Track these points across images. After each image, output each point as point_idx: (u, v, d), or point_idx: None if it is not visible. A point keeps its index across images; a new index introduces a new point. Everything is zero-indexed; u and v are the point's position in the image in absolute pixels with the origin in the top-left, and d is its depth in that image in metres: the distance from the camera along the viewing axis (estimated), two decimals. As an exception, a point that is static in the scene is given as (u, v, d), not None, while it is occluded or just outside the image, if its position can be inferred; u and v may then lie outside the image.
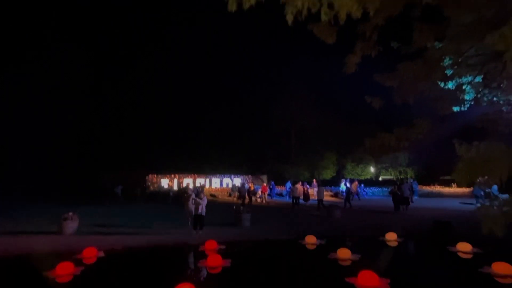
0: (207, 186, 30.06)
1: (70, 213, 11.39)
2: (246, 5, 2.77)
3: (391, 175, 42.75)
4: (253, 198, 23.69)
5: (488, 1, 2.32)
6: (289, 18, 2.77)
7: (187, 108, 37.15)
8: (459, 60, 5.12)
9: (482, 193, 17.58)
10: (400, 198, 16.98)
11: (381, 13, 2.68)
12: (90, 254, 8.13)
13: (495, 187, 14.58)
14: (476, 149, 2.58)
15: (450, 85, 7.44)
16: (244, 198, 21.63)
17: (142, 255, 8.93)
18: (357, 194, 24.57)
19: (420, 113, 6.56)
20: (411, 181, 26.34)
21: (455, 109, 8.41)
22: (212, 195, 26.28)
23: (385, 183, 36.74)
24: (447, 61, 6.95)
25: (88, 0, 43.78)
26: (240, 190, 22.70)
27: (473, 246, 8.59)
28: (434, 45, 4.45)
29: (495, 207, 2.33)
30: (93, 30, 39.86)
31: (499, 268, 6.54)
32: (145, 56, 37.96)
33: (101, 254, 8.34)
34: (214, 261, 7.40)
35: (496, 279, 6.30)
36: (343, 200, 20.66)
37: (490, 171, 2.35)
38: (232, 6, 2.69)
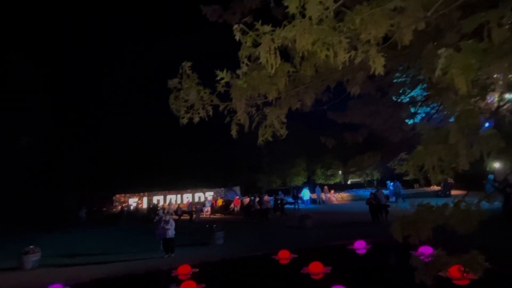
0: (178, 201, 29.38)
1: (31, 246, 10.77)
2: (196, 119, 3.17)
3: (358, 178, 44.64)
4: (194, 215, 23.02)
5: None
6: (234, 132, 3.12)
7: (154, 125, 36.39)
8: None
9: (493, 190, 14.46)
10: (376, 208, 15.88)
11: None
12: (56, 291, 7.74)
13: (490, 176, 13.99)
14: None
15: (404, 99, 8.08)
16: (266, 215, 19.69)
17: (112, 287, 8.62)
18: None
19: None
20: (390, 183, 26.21)
21: (409, 122, 9.08)
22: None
23: (353, 186, 38.22)
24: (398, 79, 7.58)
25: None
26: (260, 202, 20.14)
27: (434, 249, 9.15)
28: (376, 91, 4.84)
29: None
30: (55, 51, 38.18)
31: (456, 271, 7.05)
32: (109, 75, 36.92)
33: (68, 290, 7.97)
34: (188, 288, 7.33)
35: (454, 282, 6.80)
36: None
37: (419, 230, 2.67)
38: (183, 121, 2.94)
